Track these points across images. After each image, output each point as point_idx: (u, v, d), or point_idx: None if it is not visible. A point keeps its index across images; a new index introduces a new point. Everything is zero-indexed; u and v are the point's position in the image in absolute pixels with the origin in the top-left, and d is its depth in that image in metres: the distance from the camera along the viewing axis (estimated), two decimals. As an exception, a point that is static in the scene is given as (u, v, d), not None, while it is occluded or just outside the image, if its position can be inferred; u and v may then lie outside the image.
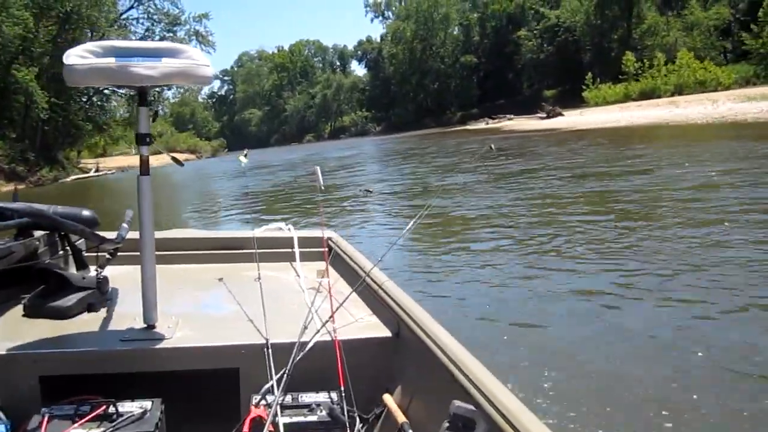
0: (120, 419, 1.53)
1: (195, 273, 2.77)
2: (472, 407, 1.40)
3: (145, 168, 1.94)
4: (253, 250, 2.68)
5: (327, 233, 3.02)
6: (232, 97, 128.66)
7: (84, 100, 42.26)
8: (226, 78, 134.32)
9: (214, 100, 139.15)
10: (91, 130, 42.00)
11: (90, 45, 1.75)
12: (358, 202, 13.13)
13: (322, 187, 2.87)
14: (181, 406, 1.72)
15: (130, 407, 1.58)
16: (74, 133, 39.74)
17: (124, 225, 2.38)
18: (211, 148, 78.85)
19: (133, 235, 2.21)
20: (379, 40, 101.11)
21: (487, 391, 1.40)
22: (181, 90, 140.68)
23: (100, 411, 1.55)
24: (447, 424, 1.41)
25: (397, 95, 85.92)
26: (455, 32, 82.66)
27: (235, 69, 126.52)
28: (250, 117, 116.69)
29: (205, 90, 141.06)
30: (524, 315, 4.74)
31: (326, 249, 2.88)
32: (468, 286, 5.71)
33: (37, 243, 2.32)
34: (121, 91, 47.38)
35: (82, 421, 1.51)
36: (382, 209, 12.18)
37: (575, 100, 53.60)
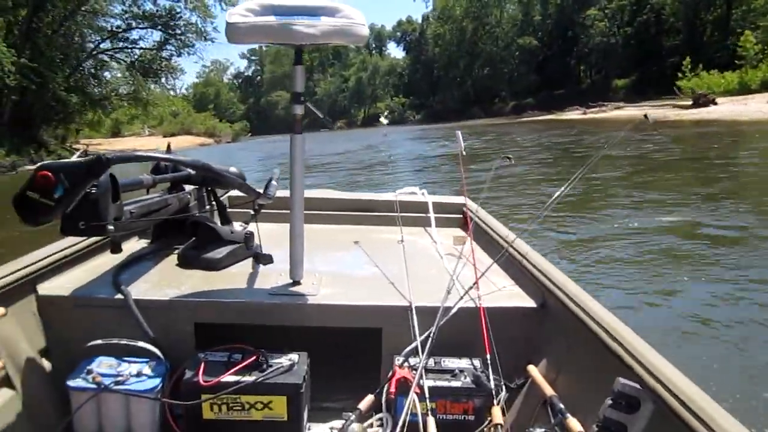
0: (270, 369, 1.66)
1: (333, 233, 2.87)
2: (637, 385, 1.34)
3: (298, 127, 1.98)
4: (391, 213, 2.92)
5: (461, 200, 3.12)
6: (259, 78, 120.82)
7: (73, 65, 33.90)
8: (253, 58, 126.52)
9: (240, 80, 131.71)
10: (80, 104, 33.63)
11: (250, 3, 1.77)
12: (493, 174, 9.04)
13: (463, 152, 2.80)
14: (324, 361, 1.84)
15: (278, 358, 1.70)
16: (57, 107, 31.54)
17: (273, 183, 2.28)
18: (231, 132, 70.44)
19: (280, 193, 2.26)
20: (419, 20, 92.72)
21: (654, 369, 1.33)
22: (206, 68, 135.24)
23: (251, 360, 1.68)
24: (610, 402, 1.36)
25: (441, 81, 76.87)
26: (512, 11, 72.97)
27: (263, 48, 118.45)
28: (277, 100, 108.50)
29: (231, 70, 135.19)
30: (684, 305, 4.27)
31: (464, 216, 2.97)
32: (613, 269, 5.41)
33: (189, 197, 2.45)
34: (119, 56, 37.67)
35: (236, 368, 1.65)
36: (519, 183, 11.52)
37: (654, 91, 44.87)
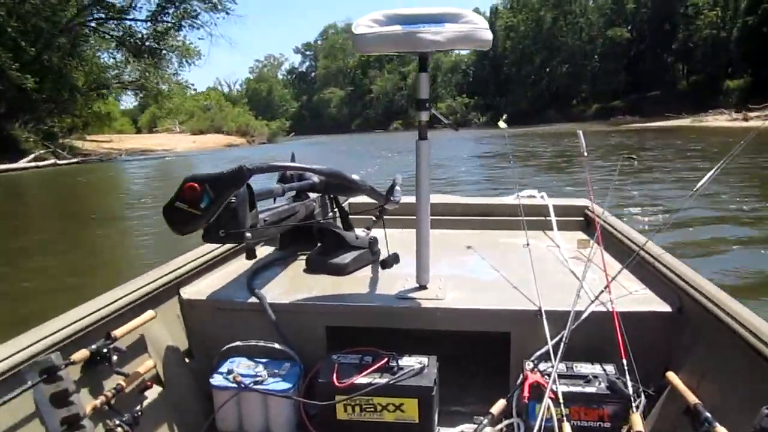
0: (401, 372, 1.69)
1: (453, 237, 2.85)
2: None
3: (423, 133, 2.00)
4: (512, 217, 2.89)
5: (584, 202, 3.08)
6: (313, 74, 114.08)
7: (44, 42, 26.25)
8: (308, 53, 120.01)
9: (293, 76, 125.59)
10: (54, 91, 26.22)
11: (376, 14, 1.83)
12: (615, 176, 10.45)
13: (585, 152, 2.63)
14: (452, 365, 1.85)
15: (408, 361, 1.74)
16: (20, 97, 24.23)
17: (397, 188, 2.28)
18: (268, 131, 60.91)
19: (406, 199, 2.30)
20: (488, 12, 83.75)
21: None
22: (259, 63, 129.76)
23: (382, 362, 1.73)
24: (767, 411, 1.31)
25: (512, 79, 67.83)
26: (600, -1, 63.07)
27: (318, 43, 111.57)
28: (330, 97, 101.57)
29: (285, 65, 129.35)
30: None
31: (587, 218, 2.95)
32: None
33: (314, 204, 2.53)
34: (111, 33, 29.30)
35: (368, 370, 1.71)
36: (643, 185, 10.95)
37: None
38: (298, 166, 2.07)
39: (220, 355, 1.92)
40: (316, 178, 2.32)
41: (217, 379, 1.81)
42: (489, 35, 1.84)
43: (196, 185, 1.60)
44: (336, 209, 2.67)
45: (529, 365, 1.72)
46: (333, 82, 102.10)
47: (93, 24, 28.85)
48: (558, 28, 62.58)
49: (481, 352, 2.01)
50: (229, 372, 1.82)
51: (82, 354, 1.56)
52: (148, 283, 1.94)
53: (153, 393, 1.78)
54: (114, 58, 30.89)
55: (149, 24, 29.92)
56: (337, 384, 1.68)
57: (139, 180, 20.83)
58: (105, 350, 1.63)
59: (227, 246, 2.37)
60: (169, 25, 30.52)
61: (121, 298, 1.82)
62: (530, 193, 3.18)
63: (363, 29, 1.79)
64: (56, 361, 1.44)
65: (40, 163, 24.86)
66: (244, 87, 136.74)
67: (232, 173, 1.64)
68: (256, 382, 1.77)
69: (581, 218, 2.97)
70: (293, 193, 2.41)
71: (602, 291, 1.84)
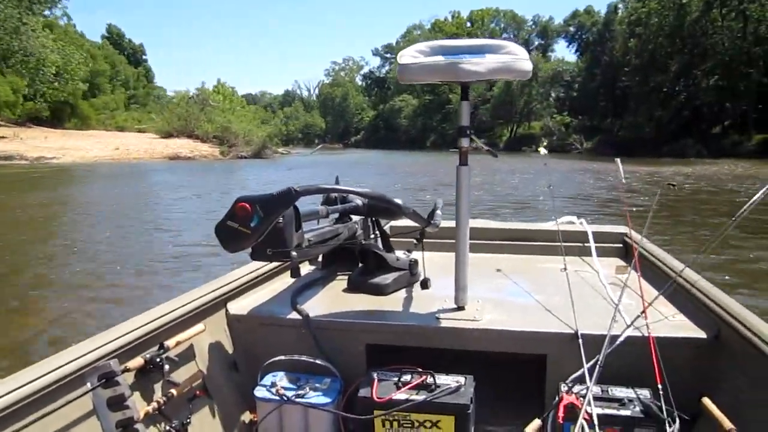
0: (438, 390, 1.74)
1: (491, 261, 2.91)
2: None
3: (464, 159, 2.05)
4: (550, 243, 2.95)
5: (623, 229, 3.10)
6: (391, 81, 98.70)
7: None
8: (387, 55, 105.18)
9: (370, 81, 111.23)
10: None
11: (420, 45, 1.95)
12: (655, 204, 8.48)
13: (623, 179, 2.84)
14: (487, 385, 1.88)
15: (446, 380, 1.79)
16: None
17: (438, 212, 2.41)
18: (258, 140, 43.16)
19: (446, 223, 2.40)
20: (603, 11, 65.29)
21: None
22: (336, 65, 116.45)
23: (420, 380, 1.78)
24: None
25: (633, 93, 49.00)
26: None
27: (401, 44, 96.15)
28: (401, 106, 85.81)
29: (365, 69, 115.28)
30: None
31: (625, 245, 2.98)
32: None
33: (356, 226, 2.54)
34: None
35: (407, 387, 1.76)
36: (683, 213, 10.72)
37: None
38: (345, 189, 2.10)
39: (263, 368, 1.98)
40: (359, 201, 2.45)
41: (260, 391, 1.89)
42: (529, 66, 1.90)
43: (247, 205, 1.70)
44: (377, 231, 2.70)
45: (564, 387, 1.74)
46: (409, 88, 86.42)
47: None
48: (710, 20, 43.30)
49: (517, 374, 2.03)
50: (273, 385, 1.90)
51: (137, 362, 1.68)
52: (198, 298, 2.06)
53: (200, 402, 1.88)
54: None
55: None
56: (376, 399, 1.73)
57: None
58: (158, 359, 1.73)
59: (272, 264, 2.46)
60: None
61: (173, 310, 1.92)
62: (569, 219, 3.22)
63: (408, 59, 1.90)
64: (114, 367, 1.57)
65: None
66: (316, 91, 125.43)
67: (282, 194, 1.72)
68: (298, 396, 1.85)
69: (620, 245, 3.02)
70: (336, 214, 2.44)
71: (638, 316, 1.87)
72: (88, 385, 1.52)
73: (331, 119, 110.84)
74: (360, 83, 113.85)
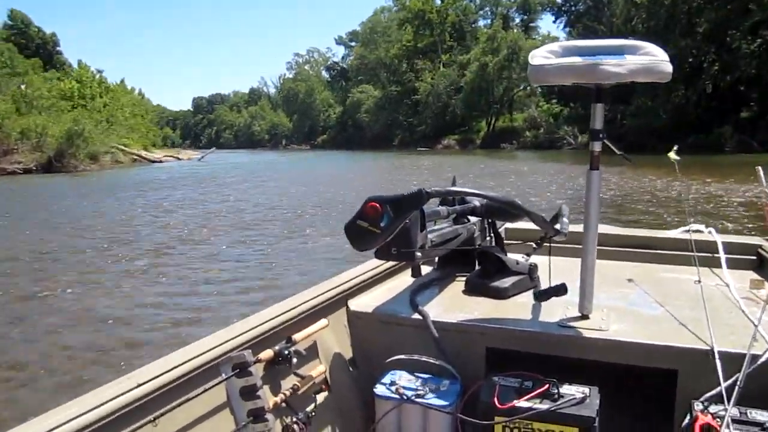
0: (562, 400, 1.66)
1: (614, 269, 2.79)
2: None
3: (595, 163, 2.02)
4: (678, 252, 2.84)
5: (758, 240, 2.98)
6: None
7: None
8: (352, 43, 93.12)
9: (333, 73, 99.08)
10: None
11: (552, 45, 1.89)
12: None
13: (767, 189, 2.59)
14: (614, 398, 1.81)
15: (569, 390, 1.70)
16: None
17: (565, 219, 2.33)
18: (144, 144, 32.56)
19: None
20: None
21: None
22: (299, 57, 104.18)
23: (543, 388, 1.69)
24: None
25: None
26: None
27: (366, 28, 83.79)
28: (360, 97, 73.58)
29: (330, 60, 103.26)
30: None
31: (760, 257, 2.84)
32: None
33: (474, 227, 2.53)
34: None
35: (529, 395, 1.68)
36: None
37: None
38: (479, 193, 2.11)
39: (383, 366, 1.99)
40: (477, 202, 2.45)
41: (380, 389, 1.90)
42: (670, 68, 1.86)
43: (377, 205, 1.72)
44: (492, 233, 2.68)
45: (699, 405, 1.68)
46: (371, 78, 74.38)
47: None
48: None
49: (647, 388, 2.00)
50: (392, 383, 1.90)
51: (267, 354, 1.73)
52: (321, 294, 2.10)
53: (323, 396, 1.93)
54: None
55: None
56: (498, 405, 1.70)
57: None
58: (286, 352, 1.78)
59: (391, 263, 2.46)
60: None
61: (299, 305, 1.97)
62: (697, 227, 3.02)
63: (540, 60, 1.85)
64: (248, 358, 1.63)
65: None
66: (278, 86, 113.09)
67: (413, 195, 1.74)
68: (417, 396, 1.84)
69: (754, 257, 2.87)
70: (454, 215, 2.44)
71: None
72: (223, 374, 1.59)
73: (296, 118, 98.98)
74: (326, 76, 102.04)
